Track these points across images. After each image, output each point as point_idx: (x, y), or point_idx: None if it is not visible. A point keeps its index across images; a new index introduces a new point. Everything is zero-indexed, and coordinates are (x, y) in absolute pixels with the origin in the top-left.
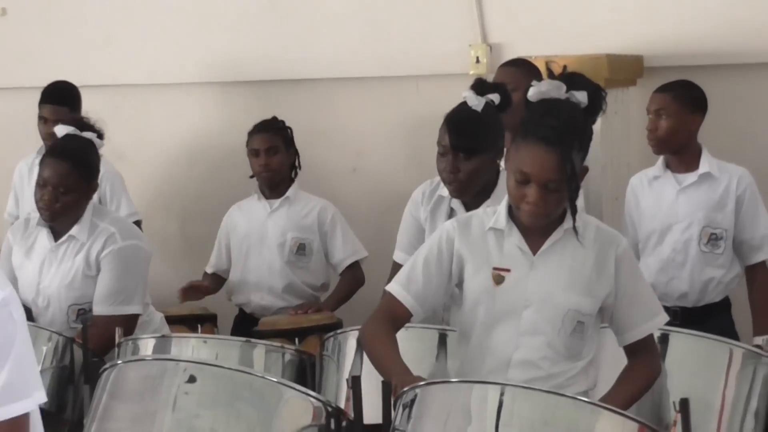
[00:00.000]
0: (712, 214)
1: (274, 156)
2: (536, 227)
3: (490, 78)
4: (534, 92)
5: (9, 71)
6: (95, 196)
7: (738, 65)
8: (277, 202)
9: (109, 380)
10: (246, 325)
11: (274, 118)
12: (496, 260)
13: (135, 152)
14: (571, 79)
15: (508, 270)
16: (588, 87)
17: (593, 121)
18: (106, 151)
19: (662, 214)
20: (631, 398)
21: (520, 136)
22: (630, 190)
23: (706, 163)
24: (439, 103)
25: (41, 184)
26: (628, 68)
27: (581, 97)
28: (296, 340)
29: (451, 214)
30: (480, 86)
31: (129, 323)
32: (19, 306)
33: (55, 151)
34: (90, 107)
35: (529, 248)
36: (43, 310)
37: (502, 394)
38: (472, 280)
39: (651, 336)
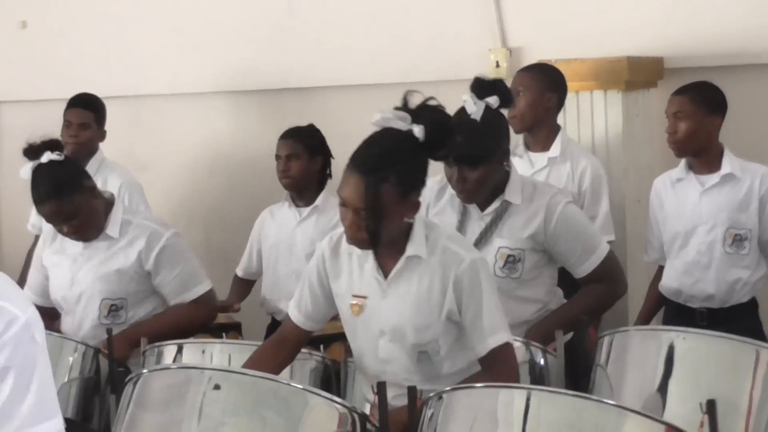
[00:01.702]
0: (735, 214)
1: (293, 162)
2: (363, 249)
3: (509, 83)
4: (378, 118)
5: (29, 84)
6: None
7: (759, 65)
8: (306, 210)
9: (134, 390)
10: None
11: (310, 125)
12: (356, 286)
13: (156, 162)
14: (418, 111)
15: (365, 297)
16: (431, 122)
17: (440, 156)
18: (126, 159)
19: (686, 216)
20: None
21: (350, 159)
22: (654, 193)
23: (728, 164)
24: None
25: (54, 226)
26: (648, 70)
27: (418, 132)
28: (321, 347)
29: (465, 212)
30: (478, 88)
31: (211, 298)
32: (41, 328)
33: (38, 195)
34: (110, 118)
35: (383, 274)
36: (74, 306)
37: (528, 398)
38: (339, 304)
39: (497, 353)
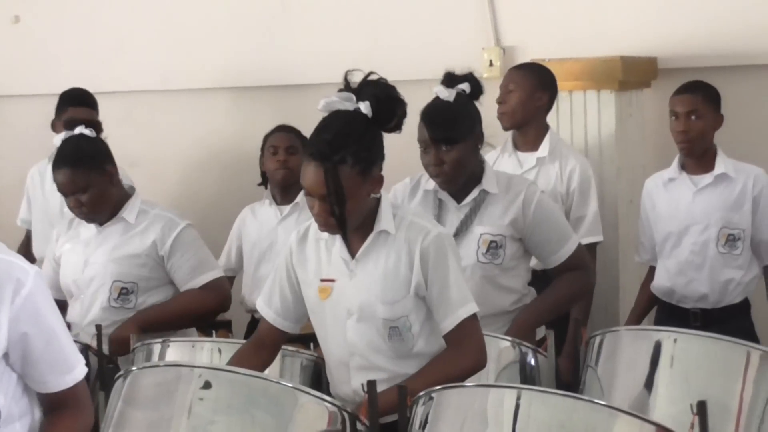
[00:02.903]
0: (729, 214)
1: (292, 156)
2: (335, 234)
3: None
4: (323, 104)
5: (22, 78)
6: None
7: (753, 66)
8: (287, 208)
9: (124, 387)
10: None
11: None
12: (324, 271)
13: (148, 159)
14: (362, 88)
15: (333, 280)
16: (376, 96)
17: (392, 128)
18: (118, 157)
19: (679, 216)
20: (424, 383)
21: (304, 150)
22: (645, 193)
23: (722, 164)
24: None
25: (63, 195)
26: (642, 70)
27: (365, 107)
28: (311, 345)
29: (441, 206)
30: (449, 79)
31: (221, 286)
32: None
33: (58, 160)
34: (102, 114)
35: (350, 254)
36: (85, 289)
37: (518, 398)
38: (306, 293)
39: (465, 326)
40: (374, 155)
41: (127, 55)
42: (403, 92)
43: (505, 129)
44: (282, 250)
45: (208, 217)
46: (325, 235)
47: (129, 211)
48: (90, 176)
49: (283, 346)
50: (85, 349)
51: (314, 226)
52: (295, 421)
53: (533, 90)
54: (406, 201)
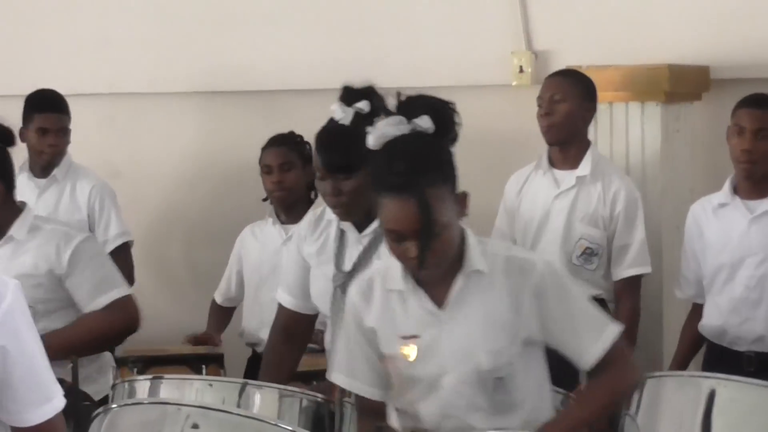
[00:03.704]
0: None
1: (288, 172)
2: (436, 278)
3: (534, 90)
4: (374, 138)
5: None
6: (84, 211)
7: None
8: (292, 228)
9: (102, 427)
10: (260, 366)
11: (291, 132)
12: (402, 326)
13: (131, 168)
14: (410, 106)
15: (416, 336)
16: (430, 107)
17: (452, 140)
18: (98, 165)
19: (732, 247)
20: (579, 421)
21: (375, 191)
22: (691, 220)
23: None
24: (478, 117)
25: None
26: (692, 81)
27: (424, 123)
28: (314, 383)
29: (342, 236)
30: (347, 95)
31: (131, 303)
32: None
33: None
34: (81, 118)
35: (435, 304)
36: None
37: None
38: (386, 352)
39: (613, 350)
40: (454, 170)
41: (111, 53)
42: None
43: (551, 144)
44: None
45: (197, 235)
46: (398, 284)
47: (18, 228)
48: None
49: (281, 385)
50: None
51: (379, 276)
52: None
53: (582, 100)
54: (309, 233)
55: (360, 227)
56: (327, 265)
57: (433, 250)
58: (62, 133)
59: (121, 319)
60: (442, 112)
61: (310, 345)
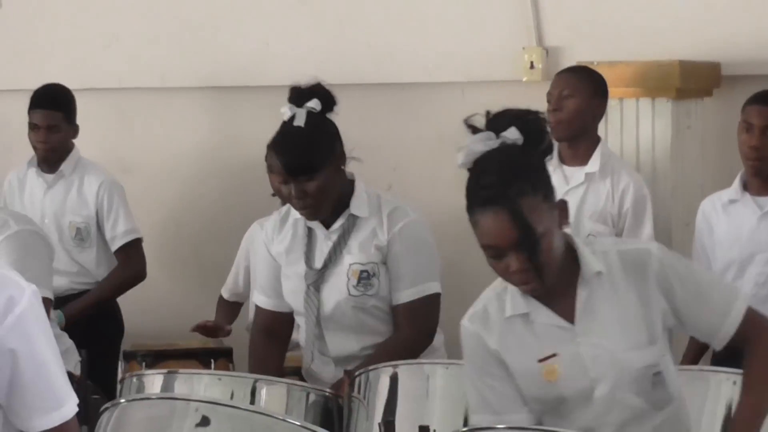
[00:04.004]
0: None
1: None
2: (548, 292)
3: (545, 86)
4: (463, 156)
5: (1, 71)
6: (92, 207)
7: None
8: None
9: (110, 422)
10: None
11: None
12: (535, 349)
13: (141, 164)
14: (497, 121)
15: (554, 355)
16: (517, 119)
17: (546, 149)
18: (108, 161)
19: (741, 243)
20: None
21: (468, 210)
22: (701, 217)
23: None
24: None
25: None
26: (703, 77)
27: (512, 135)
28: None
29: (311, 234)
30: (296, 96)
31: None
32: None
33: None
34: (91, 113)
35: (564, 318)
36: None
37: None
38: (520, 380)
39: (748, 317)
40: (549, 180)
41: (122, 47)
42: (431, 96)
43: (560, 140)
44: None
45: (207, 230)
46: (520, 308)
47: None
48: None
49: (290, 379)
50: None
51: (493, 306)
52: None
53: (591, 97)
54: (276, 235)
55: (327, 224)
56: (297, 263)
57: (535, 264)
58: (53, 130)
59: None
60: (530, 122)
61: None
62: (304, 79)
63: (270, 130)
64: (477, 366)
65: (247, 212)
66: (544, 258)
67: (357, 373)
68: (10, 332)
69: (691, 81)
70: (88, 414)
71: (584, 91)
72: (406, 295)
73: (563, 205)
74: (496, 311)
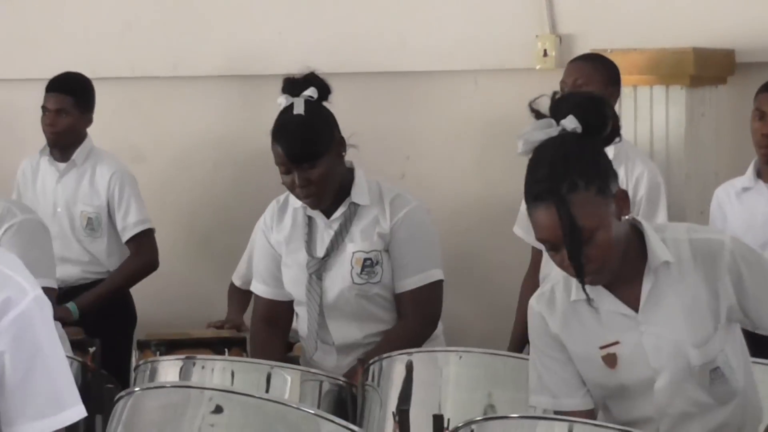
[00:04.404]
0: None
1: None
2: (614, 279)
3: (559, 74)
4: (523, 145)
5: (13, 60)
6: (103, 197)
7: None
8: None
9: (124, 410)
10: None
11: None
12: (597, 336)
13: (154, 153)
14: (560, 106)
15: (616, 343)
16: (577, 106)
17: (609, 138)
18: (121, 150)
19: (755, 231)
20: None
21: (525, 201)
22: (715, 204)
23: None
24: (500, 102)
25: None
26: (717, 64)
27: (570, 123)
28: None
29: (311, 223)
30: (290, 86)
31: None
32: (50, 310)
33: None
34: (104, 102)
35: (628, 306)
36: None
37: None
38: (581, 365)
39: None
40: (605, 169)
41: (135, 35)
42: (443, 85)
43: None
44: None
45: (220, 220)
46: (583, 293)
47: None
48: None
49: (304, 368)
50: (81, 367)
51: (560, 288)
52: None
53: (606, 85)
54: (275, 224)
55: (327, 213)
56: (298, 252)
57: (589, 257)
58: (61, 113)
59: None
60: (591, 109)
61: None
62: (315, 69)
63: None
64: (538, 347)
65: (260, 200)
66: (596, 254)
67: (371, 362)
68: (5, 333)
69: (706, 68)
70: (102, 403)
71: (598, 79)
72: (410, 282)
73: (623, 195)
74: (562, 294)
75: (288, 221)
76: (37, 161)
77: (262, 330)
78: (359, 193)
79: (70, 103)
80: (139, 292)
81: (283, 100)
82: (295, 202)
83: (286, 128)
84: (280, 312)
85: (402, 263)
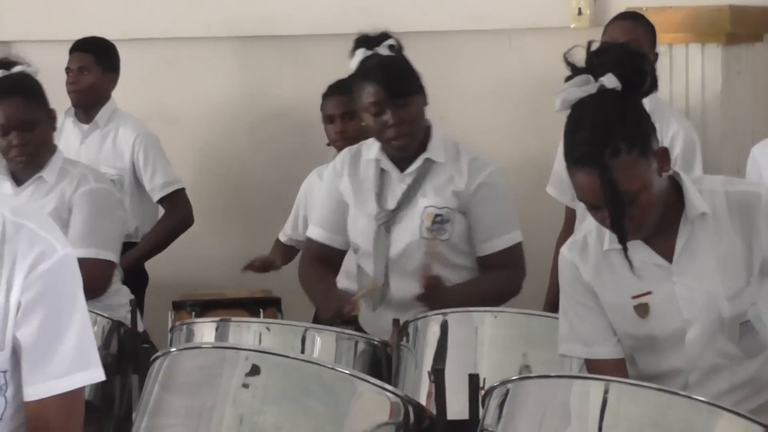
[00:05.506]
0: None
1: (351, 121)
2: (658, 229)
3: (594, 33)
4: (561, 103)
5: (45, 21)
6: (127, 159)
7: None
8: None
9: (161, 370)
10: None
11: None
12: (630, 285)
13: (189, 115)
14: (598, 60)
15: (648, 293)
16: (615, 63)
17: (649, 89)
18: (154, 112)
19: None
20: None
21: (565, 160)
22: (752, 163)
23: None
24: (535, 61)
25: (5, 129)
26: (754, 21)
27: (609, 81)
28: None
29: (383, 175)
30: (366, 41)
31: (105, 270)
32: (77, 270)
33: (7, 89)
34: (136, 63)
35: (662, 257)
36: None
37: (606, 392)
38: (612, 315)
39: None
40: (646, 128)
41: None
42: (476, 45)
43: None
44: None
45: (255, 182)
46: (615, 243)
47: (49, 171)
48: (39, 111)
49: (340, 330)
50: (118, 327)
51: (592, 237)
52: (353, 412)
53: (650, 45)
54: (348, 171)
55: (402, 167)
56: (367, 203)
57: (631, 218)
58: (82, 71)
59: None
60: (630, 65)
61: None
62: (353, 29)
63: (321, 80)
64: (569, 295)
65: (295, 160)
66: (639, 214)
67: (404, 322)
68: (32, 286)
69: (742, 26)
70: (138, 363)
71: (641, 38)
72: (496, 244)
73: (663, 152)
74: (594, 243)
75: (361, 171)
76: (62, 122)
77: (314, 266)
78: (435, 149)
79: (91, 60)
80: (173, 253)
81: (360, 54)
82: (368, 154)
83: (378, 67)
84: (332, 257)
85: (487, 225)
